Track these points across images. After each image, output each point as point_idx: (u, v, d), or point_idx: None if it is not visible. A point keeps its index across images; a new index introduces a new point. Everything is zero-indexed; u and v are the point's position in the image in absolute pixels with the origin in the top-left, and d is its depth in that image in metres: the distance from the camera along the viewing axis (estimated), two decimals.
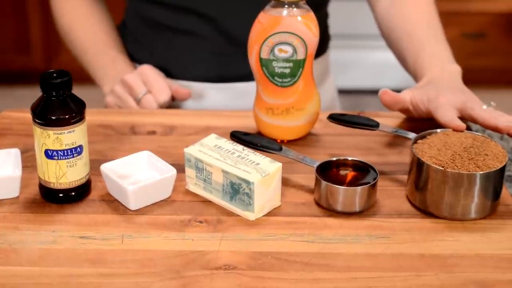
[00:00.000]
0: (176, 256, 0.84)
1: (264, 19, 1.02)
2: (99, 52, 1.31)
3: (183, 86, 1.28)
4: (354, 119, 1.05)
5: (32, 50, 3.48)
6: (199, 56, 1.29)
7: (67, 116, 0.89)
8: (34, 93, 0.98)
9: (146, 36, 1.33)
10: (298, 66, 1.02)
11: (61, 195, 0.93)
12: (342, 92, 2.39)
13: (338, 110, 1.46)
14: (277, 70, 1.02)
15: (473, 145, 0.94)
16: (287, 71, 1.02)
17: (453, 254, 0.85)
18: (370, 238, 0.88)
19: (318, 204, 0.94)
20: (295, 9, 1.01)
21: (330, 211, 0.92)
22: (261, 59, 1.02)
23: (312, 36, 1.02)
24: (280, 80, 1.03)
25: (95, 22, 1.34)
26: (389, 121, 1.12)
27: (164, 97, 1.21)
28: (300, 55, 1.01)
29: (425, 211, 0.93)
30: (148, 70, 1.24)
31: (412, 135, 0.99)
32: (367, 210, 0.93)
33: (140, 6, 1.32)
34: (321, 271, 0.82)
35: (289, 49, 1.01)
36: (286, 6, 1.01)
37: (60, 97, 0.90)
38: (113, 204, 0.94)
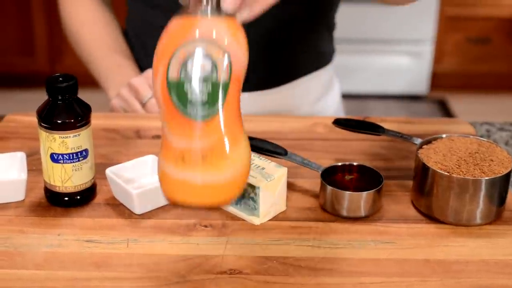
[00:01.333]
0: (181, 260, 0.84)
1: (174, 25, 0.73)
2: (105, 56, 1.32)
3: None
4: (359, 124, 1.05)
5: (36, 53, 3.49)
6: None
7: (72, 120, 0.89)
8: (38, 96, 0.98)
9: (146, 44, 1.33)
10: (218, 90, 0.72)
11: (66, 198, 0.93)
12: (347, 97, 2.39)
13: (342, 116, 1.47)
14: (189, 95, 0.72)
15: (479, 150, 0.94)
16: (204, 96, 0.72)
17: (458, 259, 0.85)
18: (376, 243, 0.87)
19: (323, 209, 0.94)
20: (214, 11, 0.72)
21: (335, 216, 0.92)
22: (168, 82, 0.72)
23: (238, 48, 0.73)
24: (194, 110, 0.72)
25: (103, 26, 1.34)
26: (395, 126, 1.11)
27: None
28: (223, 76, 0.72)
29: (430, 217, 0.92)
30: None
31: (417, 140, 0.98)
32: (373, 215, 0.93)
33: (141, 12, 1.32)
34: (326, 276, 0.82)
35: (207, 64, 0.71)
36: (204, 4, 0.72)
37: (66, 101, 0.90)
38: (118, 208, 0.94)
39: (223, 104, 0.73)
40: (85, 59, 1.34)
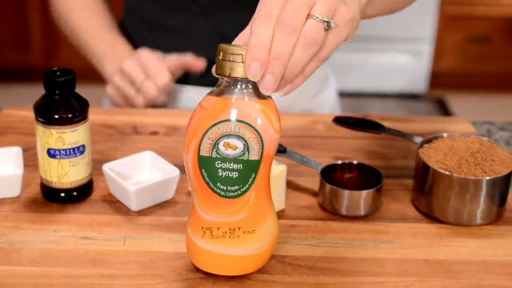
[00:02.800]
0: (178, 258, 0.83)
1: (208, 102, 0.73)
2: (97, 36, 1.30)
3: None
4: (359, 122, 1.04)
5: (32, 48, 3.48)
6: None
7: (70, 115, 0.88)
8: (34, 91, 0.97)
9: (142, 38, 1.32)
10: (250, 169, 0.74)
11: (62, 194, 0.92)
12: (345, 94, 2.39)
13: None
14: (220, 173, 0.74)
15: (480, 150, 0.93)
16: (235, 175, 0.74)
17: (459, 260, 0.84)
18: (375, 243, 0.87)
19: (322, 207, 0.93)
20: (250, 91, 0.72)
21: (335, 214, 0.92)
22: (200, 158, 0.73)
23: (272, 130, 0.73)
24: (224, 187, 0.74)
25: (94, 11, 1.33)
26: (395, 124, 1.11)
27: (163, 80, 1.19)
28: (254, 155, 0.73)
29: (430, 216, 0.92)
30: (145, 55, 1.21)
31: (418, 139, 0.98)
32: (372, 214, 0.92)
33: (139, 5, 1.31)
34: (326, 275, 0.81)
35: (239, 144, 0.73)
36: (239, 86, 0.72)
37: (63, 95, 0.89)
38: (115, 204, 0.93)
39: (253, 182, 0.75)
40: (78, 43, 1.33)
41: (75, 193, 0.93)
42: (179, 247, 0.85)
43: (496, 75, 3.59)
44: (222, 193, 0.74)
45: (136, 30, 1.33)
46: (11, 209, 0.91)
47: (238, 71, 0.70)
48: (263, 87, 0.70)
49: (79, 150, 0.90)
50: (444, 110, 3.47)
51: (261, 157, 0.73)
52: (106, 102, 1.36)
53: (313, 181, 0.97)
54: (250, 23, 0.72)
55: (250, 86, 0.72)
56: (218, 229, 0.76)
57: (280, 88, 0.72)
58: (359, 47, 3.46)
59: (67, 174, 0.91)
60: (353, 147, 1.08)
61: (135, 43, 1.33)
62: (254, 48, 0.68)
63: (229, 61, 0.70)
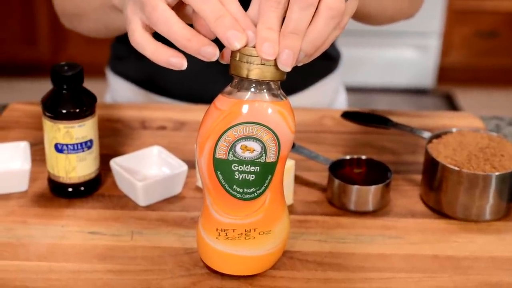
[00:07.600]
0: (186, 253, 0.83)
1: (224, 103, 0.71)
2: None
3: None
4: (368, 117, 1.04)
5: (39, 42, 3.48)
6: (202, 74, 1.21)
7: (78, 110, 0.88)
8: (41, 86, 0.97)
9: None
10: (266, 171, 0.73)
11: (70, 189, 0.92)
12: (351, 89, 2.38)
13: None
14: (237, 175, 0.72)
15: (489, 145, 0.92)
16: (252, 177, 0.73)
17: (468, 256, 0.84)
18: (383, 238, 0.86)
19: (330, 202, 0.93)
20: (266, 92, 0.70)
21: (343, 210, 0.91)
22: (215, 160, 0.72)
23: (289, 131, 0.72)
24: (241, 190, 0.73)
25: None
26: (403, 119, 1.10)
27: None
28: (271, 157, 0.72)
29: (439, 212, 0.91)
30: None
31: (426, 134, 0.97)
32: (380, 209, 0.92)
33: None
34: (334, 271, 0.80)
35: (256, 147, 0.71)
36: (253, 87, 0.70)
37: (71, 90, 0.88)
38: (123, 199, 0.93)
39: (269, 184, 0.74)
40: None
41: (82, 188, 0.92)
42: (186, 242, 0.84)
43: (504, 70, 3.57)
44: (239, 195, 0.73)
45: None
46: (19, 204, 0.91)
47: (256, 73, 0.68)
48: (282, 63, 0.67)
49: (86, 145, 0.90)
50: (452, 105, 3.46)
51: (277, 158, 0.72)
52: (108, 97, 1.35)
53: (321, 176, 0.97)
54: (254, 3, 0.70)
55: (266, 87, 0.70)
56: (233, 231, 0.75)
57: (298, 62, 0.69)
58: (367, 41, 3.45)
59: (74, 169, 0.91)
60: (361, 142, 1.08)
61: (130, 55, 1.27)
62: (263, 30, 0.67)
63: (246, 62, 0.68)
